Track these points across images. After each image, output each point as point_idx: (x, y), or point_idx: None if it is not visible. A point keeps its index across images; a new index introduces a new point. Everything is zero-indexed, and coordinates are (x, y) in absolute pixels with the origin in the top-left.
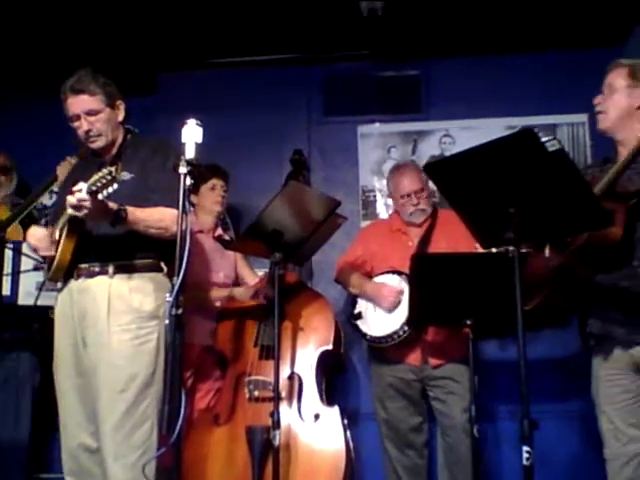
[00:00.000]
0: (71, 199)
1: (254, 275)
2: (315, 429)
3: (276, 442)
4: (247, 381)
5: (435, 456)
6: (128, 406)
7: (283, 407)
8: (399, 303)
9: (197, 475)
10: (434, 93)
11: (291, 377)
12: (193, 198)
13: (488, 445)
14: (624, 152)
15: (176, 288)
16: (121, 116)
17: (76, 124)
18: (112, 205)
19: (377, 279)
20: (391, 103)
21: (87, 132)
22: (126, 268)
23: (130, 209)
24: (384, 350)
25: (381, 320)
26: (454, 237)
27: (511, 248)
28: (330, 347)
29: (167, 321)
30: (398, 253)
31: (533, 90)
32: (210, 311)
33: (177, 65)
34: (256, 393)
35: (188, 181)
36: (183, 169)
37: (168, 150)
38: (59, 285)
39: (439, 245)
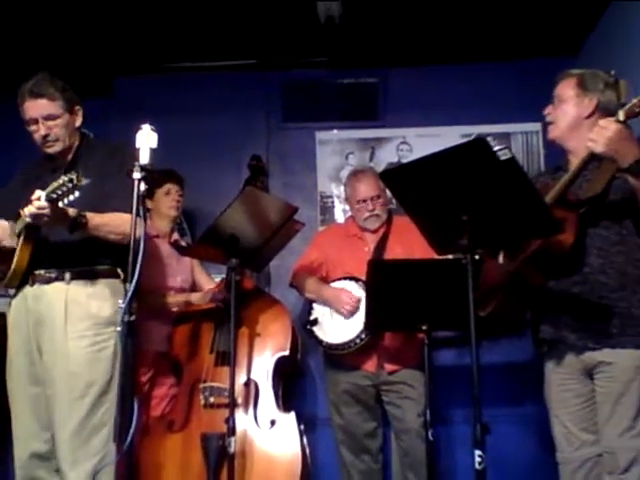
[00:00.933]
0: (30, 208)
1: (211, 281)
2: (271, 435)
3: (231, 449)
4: (202, 388)
5: (390, 461)
6: (86, 413)
7: (239, 413)
8: (357, 310)
9: None
10: (391, 101)
11: (247, 383)
12: (149, 203)
13: (443, 449)
14: (575, 161)
15: (129, 294)
16: (79, 121)
17: (33, 128)
18: (71, 212)
19: (335, 285)
20: (349, 110)
21: (44, 137)
22: (83, 274)
23: (89, 215)
24: (340, 356)
25: (338, 327)
26: (409, 243)
27: (464, 255)
28: (287, 353)
29: (119, 328)
30: (353, 258)
31: (488, 99)
32: (166, 317)
33: (134, 69)
34: (212, 400)
35: (142, 187)
36: (137, 174)
37: (124, 154)
38: (11, 292)
39: (395, 251)
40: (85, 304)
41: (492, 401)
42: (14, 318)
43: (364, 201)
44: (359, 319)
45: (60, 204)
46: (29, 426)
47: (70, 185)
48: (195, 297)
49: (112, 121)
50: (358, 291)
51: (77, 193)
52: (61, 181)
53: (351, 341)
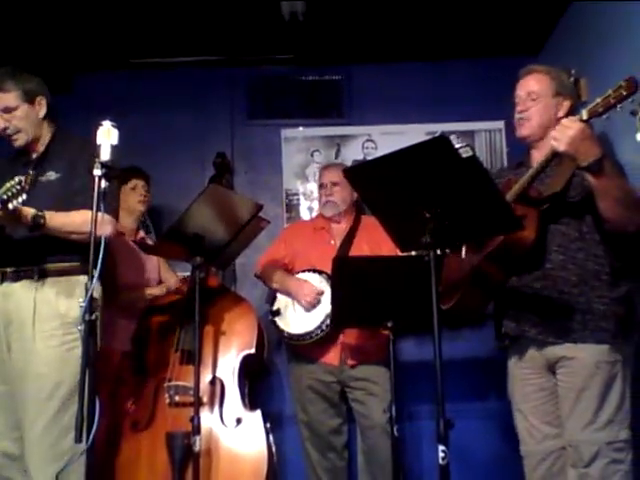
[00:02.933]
0: None
1: (176, 278)
2: (237, 434)
3: (196, 447)
4: (167, 386)
5: (355, 457)
6: (55, 413)
7: (205, 412)
8: (318, 302)
9: None
10: (356, 98)
11: (213, 382)
12: None
13: (408, 445)
14: (538, 156)
15: (89, 292)
16: (42, 112)
17: None
18: (27, 211)
19: (298, 277)
20: (314, 107)
21: (4, 129)
22: (52, 272)
23: (49, 215)
24: (302, 349)
25: (300, 318)
26: (376, 241)
27: (427, 252)
28: (253, 351)
29: (80, 327)
30: (319, 251)
31: (453, 97)
32: (132, 315)
33: (95, 65)
34: (177, 398)
35: (103, 184)
36: (97, 171)
37: (94, 150)
38: None
39: (361, 248)
40: (54, 303)
41: (456, 396)
42: None
43: (324, 186)
44: (321, 311)
45: (10, 206)
46: None
47: (18, 187)
48: (165, 287)
49: (72, 118)
50: (321, 283)
51: (25, 196)
52: (11, 183)
53: (312, 332)
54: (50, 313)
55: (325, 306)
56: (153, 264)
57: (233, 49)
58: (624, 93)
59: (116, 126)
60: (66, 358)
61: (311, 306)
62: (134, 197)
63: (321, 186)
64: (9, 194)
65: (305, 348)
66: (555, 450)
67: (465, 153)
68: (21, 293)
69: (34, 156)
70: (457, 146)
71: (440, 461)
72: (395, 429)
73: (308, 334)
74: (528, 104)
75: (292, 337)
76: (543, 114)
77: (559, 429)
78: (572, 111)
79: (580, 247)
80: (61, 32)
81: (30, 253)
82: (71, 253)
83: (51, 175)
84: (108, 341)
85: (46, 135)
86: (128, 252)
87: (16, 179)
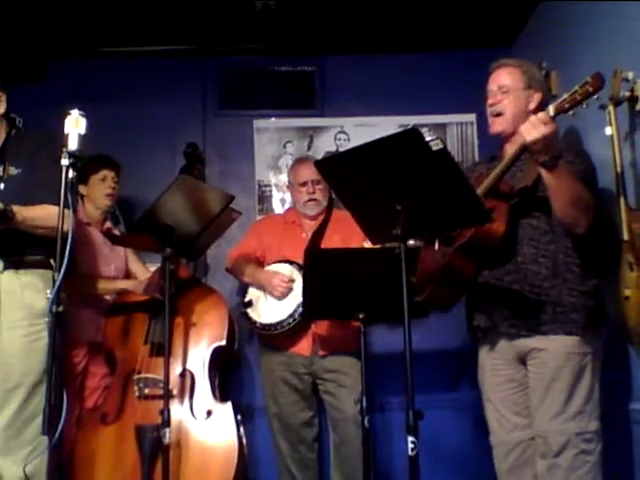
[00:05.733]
0: None
1: (145, 270)
2: (207, 426)
3: (166, 440)
4: (137, 379)
5: (326, 449)
6: (20, 402)
7: (175, 405)
8: (290, 291)
9: (85, 475)
10: (329, 89)
11: (183, 374)
12: (82, 189)
13: (379, 436)
14: (510, 149)
15: (57, 285)
16: (2, 109)
17: None
18: None
19: (269, 268)
20: (286, 98)
21: None
22: (16, 264)
23: (16, 208)
24: (274, 339)
25: (271, 308)
26: (347, 234)
27: (398, 244)
28: (223, 343)
29: (47, 318)
30: (291, 244)
31: (425, 89)
32: (99, 306)
33: (68, 53)
34: (146, 391)
35: (71, 174)
36: (65, 161)
37: (55, 144)
38: None
39: (332, 240)
40: (19, 294)
41: (426, 387)
42: None
43: (305, 184)
44: (292, 300)
45: None
46: None
47: None
48: (128, 284)
49: (45, 107)
50: (292, 273)
51: (2, 185)
52: None
53: (284, 321)
54: (15, 304)
55: (297, 295)
56: (119, 255)
57: (205, 39)
58: (590, 89)
59: (84, 115)
60: (32, 349)
61: (282, 296)
62: (102, 189)
63: (303, 184)
64: None
65: (277, 339)
66: (524, 440)
67: (435, 146)
68: None
69: None
70: (428, 139)
71: (409, 452)
72: (366, 420)
73: (279, 323)
74: (499, 97)
75: (264, 327)
76: (515, 107)
77: (528, 420)
78: (543, 104)
79: (551, 240)
80: (34, 20)
81: None
82: (35, 246)
83: (12, 170)
84: (74, 332)
85: (2, 131)
86: (87, 243)
87: None
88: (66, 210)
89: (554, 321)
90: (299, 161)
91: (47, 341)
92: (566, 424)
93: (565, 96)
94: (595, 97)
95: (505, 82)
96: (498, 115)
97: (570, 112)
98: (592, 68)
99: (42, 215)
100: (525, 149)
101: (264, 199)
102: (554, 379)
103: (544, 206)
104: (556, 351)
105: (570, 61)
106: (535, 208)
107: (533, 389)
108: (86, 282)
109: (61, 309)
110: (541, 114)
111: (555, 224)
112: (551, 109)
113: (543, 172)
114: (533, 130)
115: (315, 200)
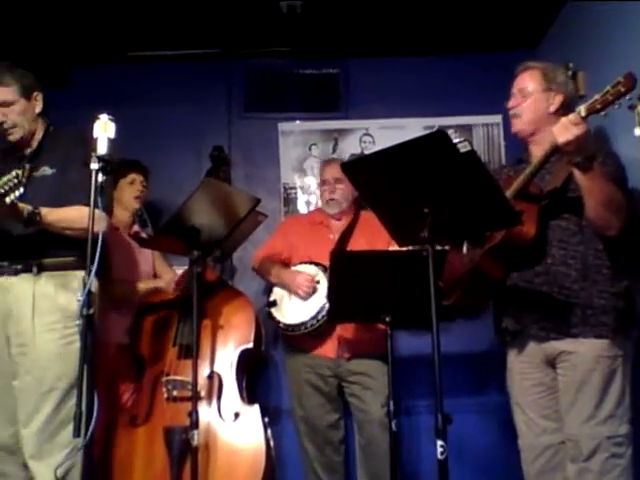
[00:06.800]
0: None
1: (172, 272)
2: (235, 428)
3: (194, 442)
4: (165, 381)
5: (352, 452)
6: (54, 406)
7: (203, 407)
8: (314, 291)
9: (116, 477)
10: (354, 92)
11: (211, 376)
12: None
13: (406, 439)
14: (537, 152)
15: (87, 287)
16: (38, 108)
17: None
18: (23, 207)
19: (294, 268)
20: (311, 101)
21: (1, 124)
22: (51, 267)
23: (44, 211)
24: (298, 340)
25: (295, 308)
26: (374, 236)
27: (425, 247)
28: (250, 345)
29: (78, 321)
30: (317, 245)
31: (450, 91)
32: (128, 308)
33: (92, 58)
34: (175, 393)
35: (100, 177)
36: (95, 165)
37: (88, 143)
38: None
39: (359, 242)
40: (53, 297)
41: (454, 390)
42: None
43: (325, 183)
44: (316, 302)
45: (7, 200)
46: None
47: (15, 181)
48: (161, 283)
49: (70, 112)
50: (317, 275)
51: (22, 189)
52: (8, 177)
53: (307, 322)
54: (50, 307)
55: (320, 297)
56: (146, 257)
57: (231, 42)
58: (622, 90)
59: (113, 119)
60: (66, 351)
61: (307, 295)
62: (131, 192)
63: (324, 182)
64: (6, 188)
65: (301, 340)
66: (553, 444)
67: (463, 148)
68: (20, 287)
69: (27, 151)
70: (455, 141)
71: (439, 456)
72: (393, 424)
73: (303, 324)
74: (519, 100)
75: (287, 327)
76: (533, 110)
77: (557, 423)
78: (566, 106)
79: (580, 241)
80: (59, 25)
81: (29, 248)
82: (69, 248)
83: (45, 170)
84: (103, 335)
85: (39, 131)
86: (121, 247)
87: (13, 173)
88: (99, 212)
89: (584, 324)
90: (325, 161)
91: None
92: (597, 428)
93: (596, 97)
94: (628, 97)
95: (524, 85)
96: (516, 117)
97: (602, 113)
98: (622, 68)
99: (73, 217)
100: (556, 151)
101: (289, 202)
102: (584, 382)
103: (573, 208)
104: (586, 354)
105: (598, 62)
106: (564, 210)
107: (563, 393)
108: (118, 286)
109: (92, 311)
110: (572, 115)
111: (585, 225)
112: (582, 110)
113: (577, 173)
114: (565, 132)
115: (334, 200)
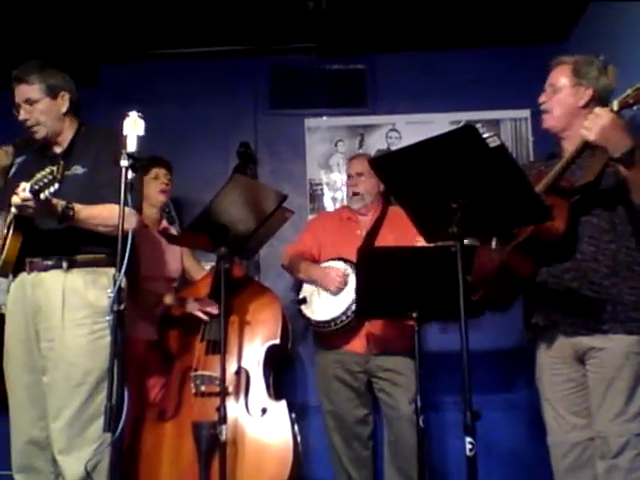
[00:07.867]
0: (15, 199)
1: (200, 268)
2: (262, 423)
3: (223, 437)
4: (194, 376)
5: (380, 447)
6: (83, 401)
7: (230, 402)
8: (343, 288)
9: (144, 471)
10: (380, 87)
11: (238, 372)
12: None
13: (433, 436)
14: (569, 147)
15: (117, 283)
16: (64, 107)
17: (19, 112)
18: (57, 203)
19: (324, 265)
20: (337, 97)
21: (25, 121)
22: (81, 263)
23: (77, 207)
24: (327, 337)
25: (326, 304)
26: (402, 232)
27: (454, 242)
28: (277, 341)
29: (108, 317)
30: (346, 241)
31: (477, 85)
32: (156, 306)
33: (120, 56)
34: (203, 388)
35: (130, 175)
36: (125, 162)
37: (118, 141)
38: (10, 279)
39: (386, 238)
40: (83, 292)
41: (482, 387)
42: (12, 306)
43: (349, 177)
44: (345, 298)
45: (42, 196)
46: (27, 413)
47: (50, 177)
48: (190, 304)
49: (98, 110)
50: (346, 271)
51: (57, 185)
52: (43, 173)
53: (337, 317)
54: (79, 302)
55: (350, 292)
56: (175, 254)
57: (257, 39)
58: None
59: (142, 117)
60: (95, 347)
61: (338, 289)
62: (156, 187)
63: (348, 177)
64: (40, 184)
65: (331, 337)
66: (582, 441)
67: (493, 142)
68: (50, 283)
69: (59, 150)
70: (484, 135)
71: (467, 452)
72: (421, 420)
73: (333, 320)
74: (549, 95)
75: (318, 324)
76: (562, 105)
77: (587, 420)
78: (597, 100)
79: (611, 239)
80: (86, 23)
81: (59, 244)
82: (100, 245)
83: (77, 169)
84: (132, 331)
85: (69, 130)
86: (150, 244)
87: (47, 169)
88: (129, 209)
89: (614, 320)
90: (351, 157)
91: (109, 339)
92: (626, 425)
93: (629, 91)
94: None
95: (555, 80)
96: (546, 112)
97: (634, 107)
98: None
99: (104, 214)
100: (587, 145)
101: (315, 198)
102: (614, 379)
103: (605, 204)
104: (615, 350)
105: (628, 55)
106: (596, 205)
107: (593, 389)
108: (149, 296)
109: (122, 307)
110: (597, 109)
111: (617, 222)
112: (615, 104)
113: (620, 168)
114: (592, 124)
115: (357, 194)
